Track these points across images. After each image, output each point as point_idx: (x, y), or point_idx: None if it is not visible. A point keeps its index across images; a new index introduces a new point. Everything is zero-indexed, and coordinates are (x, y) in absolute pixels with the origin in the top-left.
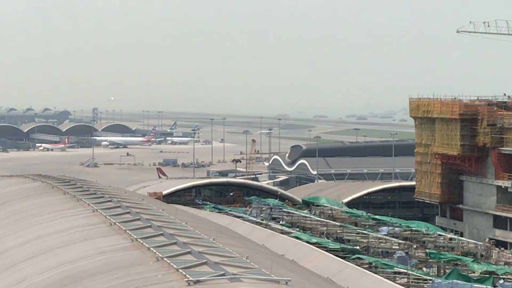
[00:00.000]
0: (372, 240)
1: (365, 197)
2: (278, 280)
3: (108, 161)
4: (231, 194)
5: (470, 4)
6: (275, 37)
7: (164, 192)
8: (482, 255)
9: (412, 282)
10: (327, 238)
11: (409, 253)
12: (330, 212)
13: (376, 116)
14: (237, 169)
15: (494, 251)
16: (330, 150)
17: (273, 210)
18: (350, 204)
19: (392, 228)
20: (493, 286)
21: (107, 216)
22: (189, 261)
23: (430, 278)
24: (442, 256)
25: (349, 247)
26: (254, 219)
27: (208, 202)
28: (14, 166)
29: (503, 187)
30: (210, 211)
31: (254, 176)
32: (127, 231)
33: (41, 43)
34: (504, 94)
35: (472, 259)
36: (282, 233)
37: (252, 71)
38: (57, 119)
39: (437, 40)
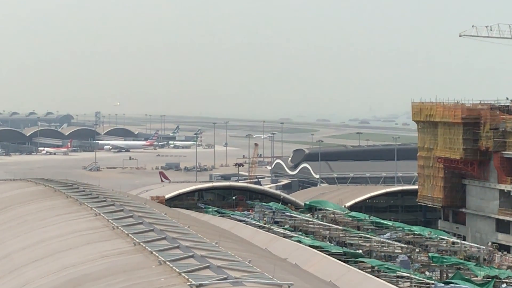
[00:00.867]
0: (375, 244)
1: (367, 201)
2: (280, 284)
3: (111, 165)
4: (234, 198)
5: (473, 8)
6: (278, 41)
7: (167, 196)
8: (484, 259)
9: (414, 286)
10: (329, 242)
11: (412, 257)
12: (332, 216)
13: (379, 120)
14: (240, 173)
15: (496, 255)
16: (333, 154)
17: (275, 214)
18: (352, 208)
19: (395, 232)
20: None
21: (110, 220)
22: (192, 265)
23: (433, 282)
24: (445, 260)
25: (351, 251)
26: (256, 223)
27: (211, 206)
28: (17, 170)
29: (505, 191)
30: (212, 215)
31: (256, 180)
32: (130, 235)
33: (44, 48)
34: (507, 98)
35: (475, 263)
36: (284, 237)
37: (255, 75)
38: (59, 123)
39: (439, 44)
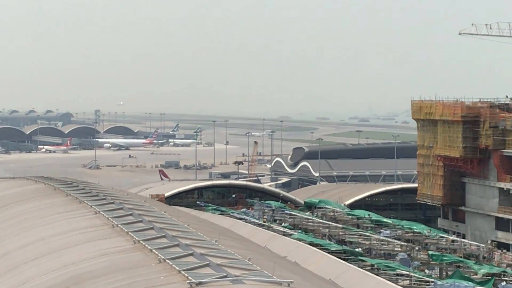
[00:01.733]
0: (374, 242)
1: (367, 199)
2: (280, 282)
3: (111, 163)
4: (233, 196)
5: (472, 6)
6: (278, 39)
7: (166, 194)
8: (484, 257)
9: (414, 284)
10: (329, 240)
11: (411, 255)
12: (332, 214)
13: (378, 118)
14: (239, 171)
15: (496, 253)
16: (332, 152)
17: (275, 212)
18: (352, 206)
19: (394, 230)
20: None
21: (110, 218)
22: (191, 263)
23: (433, 280)
24: (445, 258)
25: (351, 249)
26: (256, 221)
27: (210, 204)
28: (17, 168)
29: (505, 189)
30: (212, 213)
31: (256, 178)
32: (130, 233)
33: (43, 45)
34: (507, 96)
35: (474, 261)
36: (284, 235)
37: (254, 73)
38: (59, 121)
39: (439, 42)
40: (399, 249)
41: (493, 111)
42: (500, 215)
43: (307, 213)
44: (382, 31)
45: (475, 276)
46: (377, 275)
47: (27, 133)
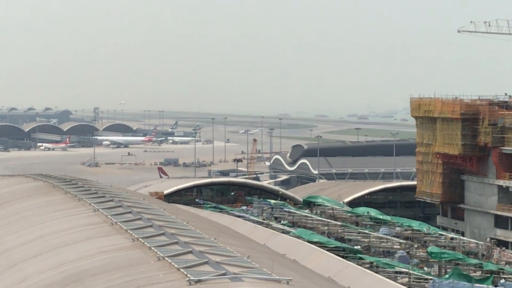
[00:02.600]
0: (373, 239)
1: (366, 196)
2: (279, 280)
3: (109, 161)
4: (232, 193)
5: (471, 3)
6: (276, 36)
7: (165, 192)
8: (483, 255)
9: (413, 281)
10: (328, 238)
11: (410, 252)
12: (331, 211)
13: (377, 116)
14: (238, 168)
15: (495, 250)
16: (331, 150)
17: (274, 209)
18: (351, 204)
19: (393, 227)
20: (494, 286)
21: (108, 216)
22: (190, 261)
23: (432, 277)
24: (443, 256)
25: (350, 246)
26: (255, 218)
27: (209, 202)
28: (15, 166)
29: (504, 186)
30: (211, 210)
31: (255, 175)
32: (128, 230)
33: (42, 43)
34: (505, 94)
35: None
36: (283, 232)
37: (253, 71)
38: (58, 118)
39: (438, 39)
40: (398, 246)
41: (492, 109)
42: (499, 213)
43: (306, 210)
44: (381, 28)
45: (474, 274)
46: (376, 272)
47: (26, 130)
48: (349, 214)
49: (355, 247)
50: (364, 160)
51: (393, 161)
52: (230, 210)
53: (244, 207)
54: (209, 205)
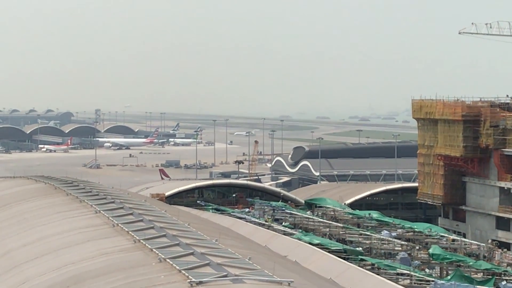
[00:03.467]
0: (375, 241)
1: (367, 198)
2: (280, 281)
3: (111, 163)
4: (234, 195)
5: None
6: (278, 38)
7: (167, 194)
8: (484, 257)
9: (414, 283)
10: (329, 239)
11: (412, 254)
12: (332, 213)
13: (379, 117)
14: (240, 170)
15: (496, 252)
16: (333, 152)
17: (275, 211)
18: (352, 206)
19: (395, 229)
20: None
21: (110, 217)
22: (192, 262)
23: (433, 279)
24: (445, 258)
25: (351, 248)
26: (256, 220)
27: (211, 204)
28: (17, 168)
29: (505, 188)
30: (212, 212)
31: (256, 177)
32: (130, 232)
33: (44, 45)
34: (507, 96)
35: (475, 261)
36: (284, 234)
37: (255, 72)
38: (59, 120)
39: (439, 41)
40: (400, 248)
41: (494, 110)
42: (500, 214)
43: (308, 212)
44: (382, 30)
45: (476, 276)
46: (378, 274)
47: (28, 132)
48: (350, 216)
49: (357, 248)
50: (366, 162)
51: (395, 163)
52: (232, 212)
53: (246, 209)
54: (210, 207)
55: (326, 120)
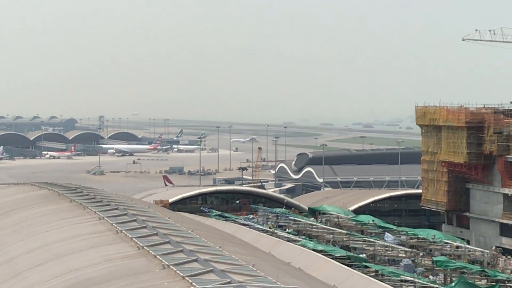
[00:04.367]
0: (379, 248)
1: (371, 205)
2: None
3: (115, 169)
4: (237, 202)
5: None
6: (282, 44)
7: (170, 200)
8: (488, 263)
9: None
10: (333, 246)
11: (416, 261)
12: (336, 220)
13: (383, 124)
14: (244, 177)
15: (500, 259)
16: (336, 158)
17: (279, 218)
18: (356, 212)
19: (399, 236)
20: None
21: (114, 224)
22: (195, 269)
23: (437, 286)
24: (449, 264)
25: (355, 255)
26: (260, 227)
27: (214, 210)
28: (21, 174)
29: (509, 195)
30: (216, 219)
31: (260, 184)
32: (134, 238)
33: (47, 51)
34: (511, 102)
35: (480, 267)
36: (288, 241)
37: (258, 79)
38: (63, 127)
39: (443, 48)
40: (403, 255)
41: (498, 117)
42: (504, 221)
43: (311, 219)
44: (386, 37)
45: (479, 283)
46: (381, 281)
47: (31, 139)
48: (354, 222)
49: (360, 255)
50: (369, 168)
51: (398, 170)
52: (235, 218)
53: (249, 216)
54: (214, 213)
55: (329, 126)
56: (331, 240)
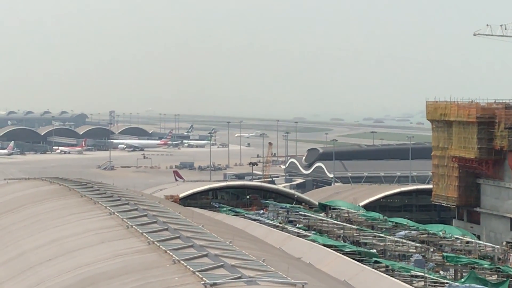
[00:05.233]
0: (389, 243)
1: (382, 200)
2: (294, 283)
3: (125, 164)
4: (248, 197)
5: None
6: (293, 40)
7: (181, 195)
8: (499, 259)
9: (429, 285)
10: (343, 241)
11: (426, 256)
12: (346, 215)
13: (393, 119)
14: (254, 172)
15: (511, 254)
16: (347, 153)
17: (289, 213)
18: (367, 207)
19: (409, 231)
20: None
21: (124, 219)
22: (206, 264)
23: (447, 281)
24: (459, 260)
25: (365, 250)
26: (270, 222)
27: (225, 205)
28: (32, 169)
29: None
30: (226, 214)
31: (270, 179)
32: (144, 233)
33: (59, 47)
34: None
35: (490, 263)
36: (298, 236)
37: (269, 74)
38: (74, 122)
39: (454, 43)
40: (414, 250)
41: (509, 112)
42: None
43: (322, 214)
44: (397, 31)
45: (490, 278)
46: (392, 276)
47: (42, 134)
48: (364, 218)
49: (371, 250)
50: (380, 163)
51: (409, 165)
52: (246, 214)
53: (260, 211)
54: (224, 209)
55: (340, 122)
56: (341, 235)
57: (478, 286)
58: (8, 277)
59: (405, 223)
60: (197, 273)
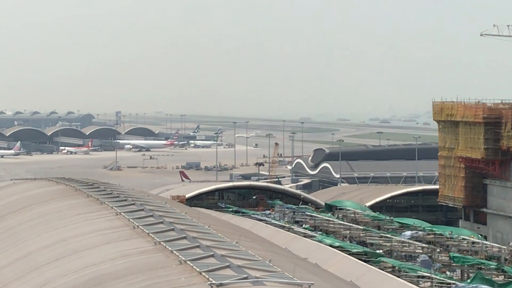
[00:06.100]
0: (395, 243)
1: (388, 200)
2: (301, 284)
3: (131, 164)
4: (254, 197)
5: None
6: (299, 40)
7: (187, 195)
8: (506, 259)
9: (435, 286)
10: (350, 242)
11: (433, 257)
12: (353, 215)
13: (400, 120)
14: (260, 172)
15: None
16: (353, 154)
17: (296, 213)
18: (373, 208)
19: (416, 231)
20: None
21: (130, 219)
22: (212, 264)
23: (454, 282)
24: (466, 260)
25: (372, 250)
26: (277, 222)
27: (231, 206)
28: (38, 169)
29: None
30: (232, 214)
31: (277, 179)
32: (150, 234)
33: (65, 47)
34: None
35: (497, 264)
36: (305, 236)
37: (275, 75)
38: (80, 122)
39: (460, 43)
40: (420, 251)
41: None
42: None
43: (328, 214)
44: (403, 32)
45: (497, 279)
46: (398, 277)
47: (49, 134)
48: (371, 218)
49: (377, 251)
50: (386, 164)
51: (415, 165)
52: (252, 214)
53: (266, 211)
54: (230, 209)
55: (346, 122)
56: (348, 236)
57: (485, 286)
58: (15, 277)
59: (412, 224)
60: (203, 273)
